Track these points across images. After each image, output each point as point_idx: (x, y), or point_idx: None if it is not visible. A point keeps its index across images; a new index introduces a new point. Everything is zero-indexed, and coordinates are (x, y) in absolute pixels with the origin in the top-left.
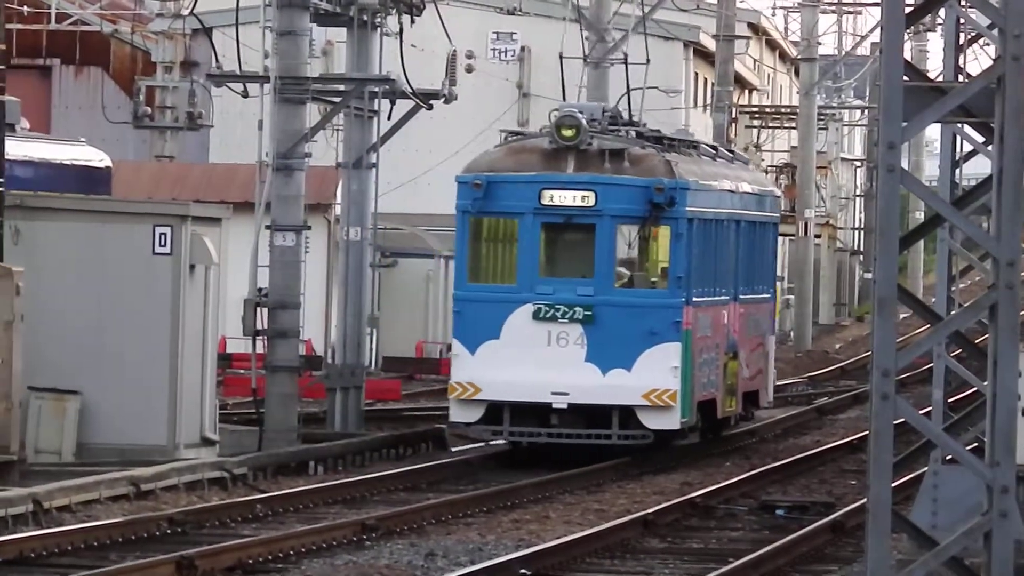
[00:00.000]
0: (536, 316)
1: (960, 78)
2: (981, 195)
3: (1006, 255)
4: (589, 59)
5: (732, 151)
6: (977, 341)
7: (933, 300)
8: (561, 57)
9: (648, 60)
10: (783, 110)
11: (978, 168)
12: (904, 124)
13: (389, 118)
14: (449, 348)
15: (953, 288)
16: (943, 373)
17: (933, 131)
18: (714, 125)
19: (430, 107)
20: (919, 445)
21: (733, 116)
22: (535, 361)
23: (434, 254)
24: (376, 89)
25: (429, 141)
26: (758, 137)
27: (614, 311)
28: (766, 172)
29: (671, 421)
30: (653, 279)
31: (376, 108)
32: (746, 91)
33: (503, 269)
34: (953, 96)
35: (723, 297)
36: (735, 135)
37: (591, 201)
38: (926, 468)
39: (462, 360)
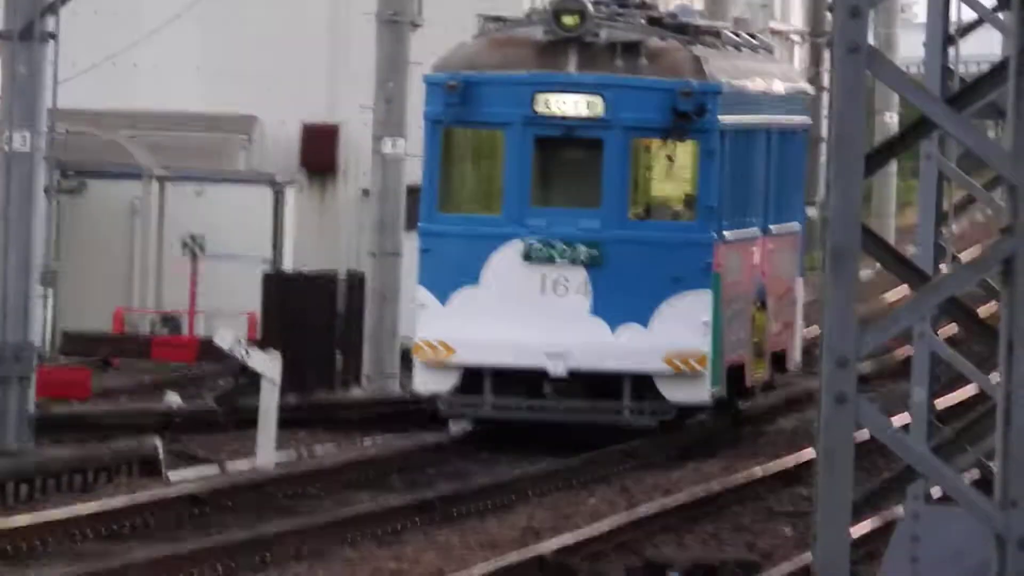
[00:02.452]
0: (527, 256)
1: None
2: (989, 89)
3: None
4: None
5: (754, 36)
6: (981, 313)
7: (914, 250)
8: None
9: None
10: None
11: (983, 48)
12: None
13: None
14: (165, 320)
15: (944, 232)
16: (928, 363)
17: None
18: None
19: None
20: (893, 475)
21: None
22: (525, 314)
23: (144, 173)
24: None
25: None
26: None
27: (627, 250)
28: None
29: (699, 392)
30: (676, 208)
31: None
32: None
33: (484, 195)
34: None
35: (753, 230)
36: None
37: (598, 109)
38: (901, 509)
39: (431, 312)
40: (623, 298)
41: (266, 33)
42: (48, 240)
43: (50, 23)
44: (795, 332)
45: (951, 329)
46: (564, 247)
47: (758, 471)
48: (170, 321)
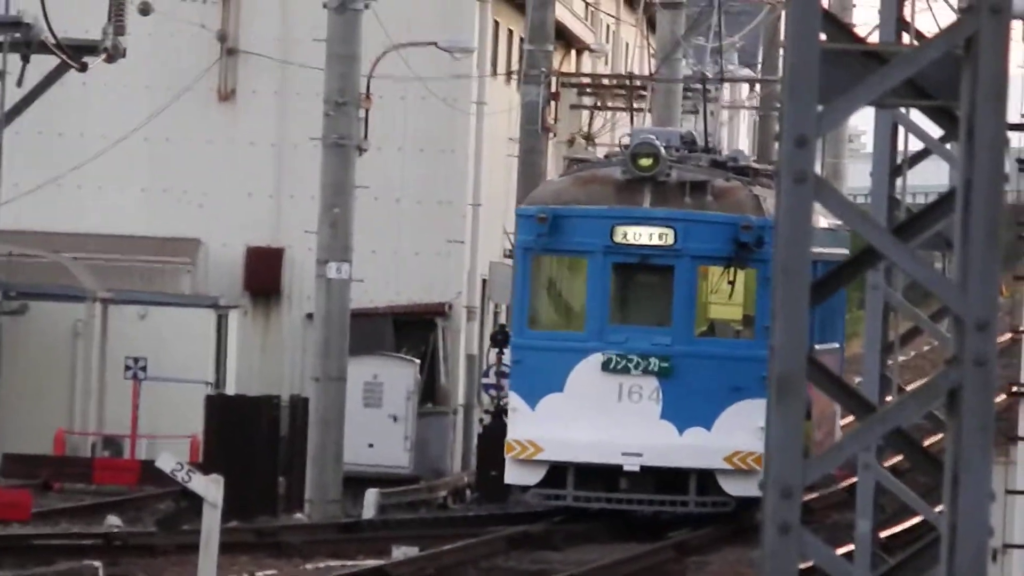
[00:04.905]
0: (606, 367)
1: (907, 39)
2: (936, 219)
3: (975, 313)
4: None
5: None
6: (926, 444)
7: (859, 380)
8: None
9: None
10: (630, 83)
11: (930, 178)
12: (820, 108)
13: (19, 84)
14: (107, 443)
15: (890, 362)
16: (872, 493)
17: (862, 120)
18: (522, 103)
19: (84, 67)
20: None
21: (553, 90)
22: (604, 417)
23: (87, 295)
24: (0, 38)
25: (82, 120)
26: (590, 123)
27: (694, 363)
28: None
29: (756, 487)
30: (737, 327)
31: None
32: (573, 52)
33: (569, 314)
34: (896, 66)
35: None
36: (555, 119)
37: (670, 239)
38: None
39: (521, 416)
40: (690, 404)
41: (212, 157)
42: None
43: None
44: (835, 439)
45: (896, 459)
46: (639, 360)
47: None
48: (112, 444)
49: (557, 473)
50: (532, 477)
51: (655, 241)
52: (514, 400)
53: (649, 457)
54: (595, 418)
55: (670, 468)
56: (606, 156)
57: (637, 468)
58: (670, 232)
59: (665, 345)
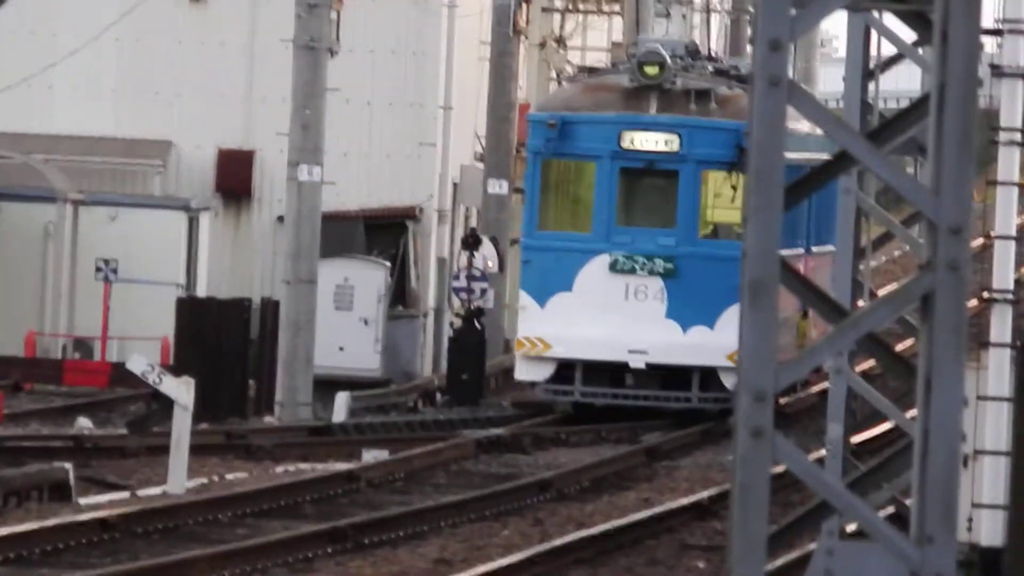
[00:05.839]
0: (613, 268)
1: None
2: (910, 124)
3: (949, 217)
4: None
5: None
6: (899, 349)
7: (829, 285)
8: None
9: None
10: None
11: (903, 83)
12: (794, 12)
13: None
14: (77, 345)
15: (862, 267)
16: (844, 398)
17: (834, 24)
18: (494, 6)
19: None
20: (808, 509)
21: None
22: (611, 316)
23: (58, 197)
24: None
25: (54, 20)
26: (562, 27)
27: (697, 264)
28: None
29: None
30: (739, 231)
31: None
32: None
33: (577, 217)
34: None
35: (799, 249)
36: (527, 22)
37: (675, 145)
38: (815, 545)
39: (531, 313)
40: (693, 304)
41: (183, 58)
42: None
43: None
44: None
45: (867, 365)
46: (644, 260)
47: (672, 505)
48: (83, 345)
49: (565, 369)
50: (541, 373)
51: (661, 147)
52: (524, 299)
53: (654, 354)
54: (602, 317)
55: (674, 365)
56: (612, 64)
57: (643, 365)
58: (675, 138)
59: (670, 246)
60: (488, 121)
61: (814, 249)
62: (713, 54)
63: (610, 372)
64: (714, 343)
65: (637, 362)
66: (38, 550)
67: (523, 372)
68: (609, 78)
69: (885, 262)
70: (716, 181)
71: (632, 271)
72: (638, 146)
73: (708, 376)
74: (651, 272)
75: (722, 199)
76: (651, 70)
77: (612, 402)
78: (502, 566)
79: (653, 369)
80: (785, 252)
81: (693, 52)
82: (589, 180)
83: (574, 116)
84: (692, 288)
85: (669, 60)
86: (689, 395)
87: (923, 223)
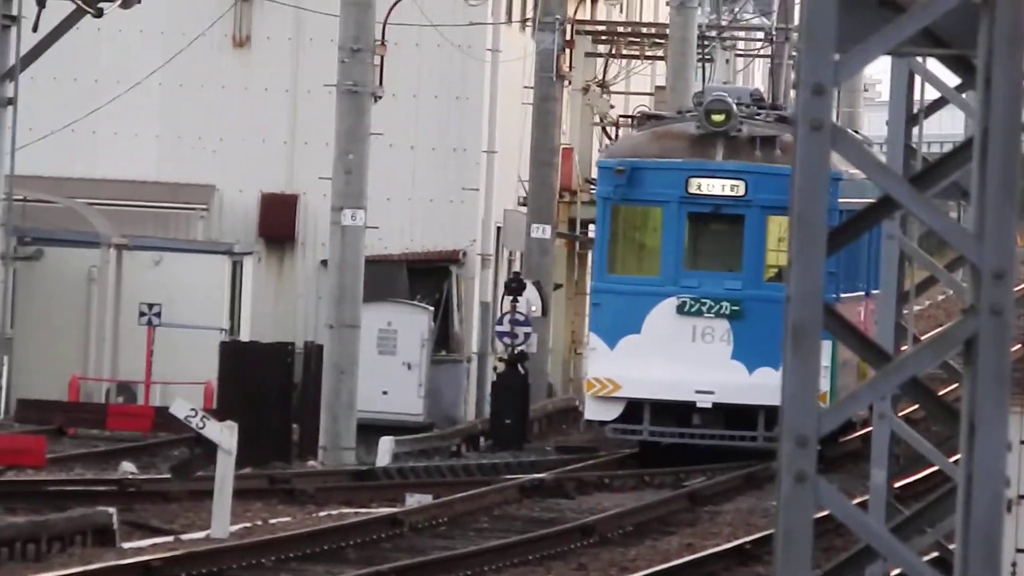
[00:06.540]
0: (680, 310)
1: None
2: (953, 169)
3: (992, 262)
4: None
5: (857, 132)
6: (941, 394)
7: (874, 330)
8: None
9: None
10: (645, 30)
11: (946, 127)
12: (837, 57)
13: (35, 29)
14: (121, 389)
15: (905, 311)
16: (887, 443)
17: (878, 69)
18: (537, 51)
19: (99, 13)
20: (851, 554)
21: (567, 38)
22: (678, 357)
23: (102, 241)
24: None
25: (97, 65)
26: (605, 72)
27: (763, 306)
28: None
29: None
30: None
31: (14, 12)
32: (588, 0)
33: (646, 260)
34: (914, 15)
35: (860, 292)
36: (570, 67)
37: (740, 190)
38: None
39: (600, 355)
40: (759, 345)
41: (226, 102)
42: (3, 307)
43: (8, 89)
44: None
45: (911, 408)
46: (711, 303)
47: (715, 549)
48: (126, 390)
49: (633, 409)
50: (610, 413)
51: (727, 192)
52: (594, 340)
53: (721, 394)
54: (670, 358)
55: (740, 405)
56: (678, 112)
57: (709, 405)
58: (741, 184)
59: (736, 289)
60: (531, 165)
61: (874, 292)
62: (777, 102)
63: (678, 412)
64: (779, 383)
65: (704, 402)
66: None
67: (592, 412)
68: (676, 125)
69: (928, 306)
70: (780, 226)
71: (699, 313)
72: (705, 191)
73: (773, 416)
74: (718, 314)
75: (785, 243)
76: (718, 117)
77: (679, 441)
78: None
79: (720, 409)
80: (847, 295)
81: (758, 100)
82: (657, 225)
83: (642, 162)
84: (757, 330)
85: (735, 107)
86: (755, 434)
87: (966, 267)
